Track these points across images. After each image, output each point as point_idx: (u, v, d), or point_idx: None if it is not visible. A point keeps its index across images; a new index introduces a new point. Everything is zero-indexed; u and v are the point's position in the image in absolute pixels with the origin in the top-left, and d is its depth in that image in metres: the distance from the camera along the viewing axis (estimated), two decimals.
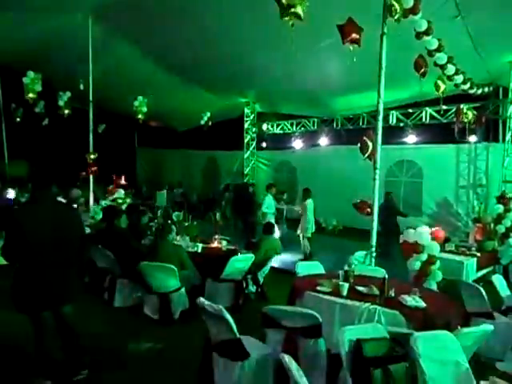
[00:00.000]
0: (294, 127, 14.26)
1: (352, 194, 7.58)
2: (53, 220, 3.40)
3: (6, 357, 3.97)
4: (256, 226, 10.04)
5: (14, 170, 12.44)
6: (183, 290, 5.23)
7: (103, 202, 10.41)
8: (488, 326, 3.25)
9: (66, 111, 10.48)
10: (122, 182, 11.08)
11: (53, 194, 3.72)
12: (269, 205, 9.66)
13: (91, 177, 9.46)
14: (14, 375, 3.70)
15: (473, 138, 9.99)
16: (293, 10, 3.72)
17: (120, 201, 10.95)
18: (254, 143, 15.38)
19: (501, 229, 8.15)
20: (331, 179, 12.31)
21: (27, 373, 3.61)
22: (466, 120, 9.10)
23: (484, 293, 4.44)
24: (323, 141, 13.12)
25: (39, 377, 3.48)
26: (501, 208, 8.29)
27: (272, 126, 14.83)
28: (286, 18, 3.88)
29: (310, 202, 9.03)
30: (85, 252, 3.93)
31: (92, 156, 9.12)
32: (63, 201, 7.96)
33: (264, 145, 14.96)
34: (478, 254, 7.11)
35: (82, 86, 9.48)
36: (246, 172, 15.30)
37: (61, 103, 10.41)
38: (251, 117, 15.10)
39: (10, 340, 4.27)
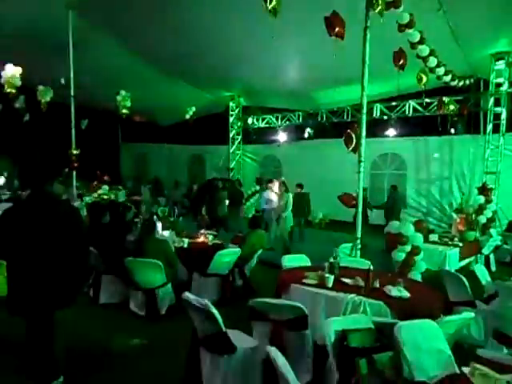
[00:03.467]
0: (279, 121, 14.26)
1: (338, 186, 7.62)
2: (45, 220, 3.21)
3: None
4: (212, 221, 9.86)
5: None
6: (169, 285, 5.21)
7: (87, 198, 10.28)
8: (469, 314, 3.33)
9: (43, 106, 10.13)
10: (106, 177, 10.90)
11: (48, 193, 3.41)
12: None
13: (74, 172, 9.30)
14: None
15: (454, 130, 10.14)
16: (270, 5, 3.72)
17: (105, 197, 10.81)
18: (240, 137, 15.33)
19: (482, 219, 8.31)
20: (317, 172, 12.37)
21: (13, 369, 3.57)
22: (447, 112, 9.23)
23: (466, 282, 4.52)
24: (307, 134, 13.16)
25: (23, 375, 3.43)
26: (482, 199, 8.45)
27: (257, 120, 14.79)
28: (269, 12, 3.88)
29: (289, 195, 9.05)
30: (85, 253, 3.71)
31: (75, 152, 8.94)
32: (65, 197, 7.71)
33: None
34: (461, 245, 7.24)
35: (63, 81, 9.27)
36: (231, 166, 15.26)
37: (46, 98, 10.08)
38: (236, 111, 15.04)
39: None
